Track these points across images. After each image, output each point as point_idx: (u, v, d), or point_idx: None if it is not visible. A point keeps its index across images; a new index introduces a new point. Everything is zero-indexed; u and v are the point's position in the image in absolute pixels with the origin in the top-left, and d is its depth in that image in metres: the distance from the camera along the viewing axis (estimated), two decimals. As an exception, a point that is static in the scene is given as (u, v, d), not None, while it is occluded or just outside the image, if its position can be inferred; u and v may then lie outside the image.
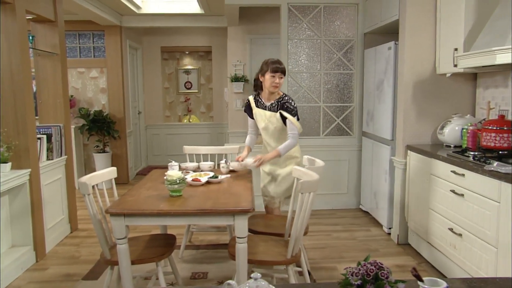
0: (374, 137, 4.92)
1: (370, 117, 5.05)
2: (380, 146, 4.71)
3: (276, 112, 3.43)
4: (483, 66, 3.27)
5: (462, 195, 3.14)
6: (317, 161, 3.31)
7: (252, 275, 1.18)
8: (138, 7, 6.63)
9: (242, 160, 3.56)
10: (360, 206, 5.48)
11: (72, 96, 6.98)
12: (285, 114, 3.39)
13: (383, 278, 1.06)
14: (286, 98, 3.45)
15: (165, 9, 6.78)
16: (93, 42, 7.09)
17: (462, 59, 3.41)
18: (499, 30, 3.00)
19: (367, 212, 5.28)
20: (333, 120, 5.45)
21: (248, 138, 3.82)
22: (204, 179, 3.24)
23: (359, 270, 1.09)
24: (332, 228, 4.83)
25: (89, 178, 2.79)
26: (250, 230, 3.26)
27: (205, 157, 4.75)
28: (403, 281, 1.12)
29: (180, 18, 7.02)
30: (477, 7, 3.47)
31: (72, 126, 5.96)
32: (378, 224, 4.87)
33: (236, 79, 6.81)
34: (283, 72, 3.37)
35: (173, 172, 2.87)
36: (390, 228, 4.53)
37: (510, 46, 2.79)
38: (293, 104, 3.43)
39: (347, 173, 5.50)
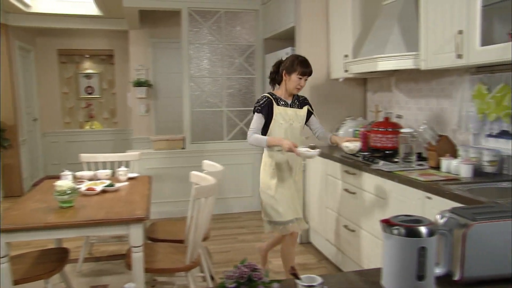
0: (276, 140, 5.05)
1: (271, 121, 5.18)
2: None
3: (301, 107, 3.17)
4: (369, 72, 3.51)
5: (354, 193, 3.34)
6: (216, 166, 3.31)
7: (125, 285, 1.14)
8: (26, 5, 6.17)
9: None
10: (265, 208, 5.58)
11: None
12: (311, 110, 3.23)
13: (256, 279, 1.08)
14: (303, 96, 3.26)
15: (58, 9, 6.40)
16: (-24, 42, 6.48)
17: (351, 65, 3.63)
18: (380, 40, 3.24)
19: (272, 214, 5.40)
20: (236, 124, 5.51)
21: (257, 136, 3.09)
22: (99, 188, 3.10)
23: (234, 273, 1.10)
24: (237, 231, 4.87)
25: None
26: (150, 238, 3.19)
27: (105, 165, 4.54)
28: (278, 281, 1.15)
29: (77, 19, 6.67)
30: (362, 18, 3.74)
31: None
32: (282, 225, 4.99)
33: (139, 83, 6.61)
34: (310, 75, 3.11)
35: (63, 182, 2.71)
36: (292, 228, 4.67)
37: (389, 55, 3.03)
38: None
39: (251, 176, 5.59)
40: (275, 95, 3.12)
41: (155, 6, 5.22)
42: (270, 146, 3.05)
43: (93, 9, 6.42)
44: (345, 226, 3.50)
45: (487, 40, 2.39)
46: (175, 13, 5.50)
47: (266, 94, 3.12)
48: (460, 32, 2.47)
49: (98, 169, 3.77)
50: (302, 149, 2.88)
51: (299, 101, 3.20)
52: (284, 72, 3.09)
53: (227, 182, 5.39)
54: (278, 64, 3.19)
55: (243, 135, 5.54)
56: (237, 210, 5.58)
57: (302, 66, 3.03)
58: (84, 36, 7.98)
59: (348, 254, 3.50)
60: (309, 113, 3.24)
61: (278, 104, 3.09)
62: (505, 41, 2.26)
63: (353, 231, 3.38)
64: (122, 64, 8.04)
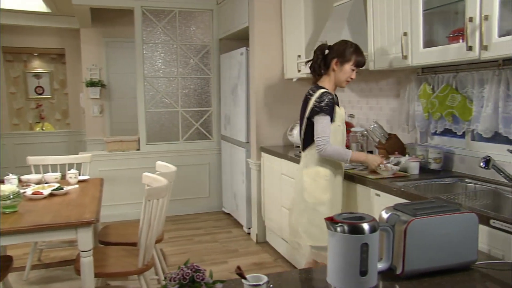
0: (232, 140, 5.05)
1: (227, 121, 5.18)
2: (237, 149, 4.85)
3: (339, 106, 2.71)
4: (321, 72, 3.57)
5: (308, 191, 3.38)
6: (169, 166, 3.27)
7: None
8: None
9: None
10: (223, 209, 5.58)
11: None
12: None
13: (199, 280, 1.07)
14: None
15: (2, 4, 6.10)
16: None
17: (304, 65, 3.68)
18: (331, 40, 3.28)
19: (229, 214, 5.40)
20: (192, 124, 5.47)
21: (338, 147, 2.61)
22: (47, 191, 2.99)
23: (177, 274, 1.08)
24: (194, 232, 4.84)
25: None
26: (102, 242, 3.11)
27: (55, 168, 4.38)
28: (221, 281, 1.15)
29: (23, 15, 6.39)
30: (314, 19, 3.80)
31: None
32: (239, 225, 5.00)
33: (92, 84, 6.44)
34: (363, 66, 2.68)
35: (6, 187, 2.60)
36: (249, 228, 4.69)
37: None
38: None
39: (208, 176, 5.56)
40: (330, 91, 2.60)
41: (106, 4, 5.09)
42: (351, 162, 2.61)
43: (40, 6, 6.18)
44: (300, 225, 3.54)
45: (429, 42, 2.49)
46: (128, 12, 5.38)
47: (326, 90, 2.55)
48: (405, 34, 2.55)
49: (48, 172, 3.63)
50: (393, 167, 2.51)
51: (337, 97, 2.72)
52: (336, 61, 2.58)
53: (183, 183, 5.34)
54: (323, 50, 2.65)
55: (199, 135, 5.52)
56: (193, 211, 5.53)
57: (358, 54, 2.58)
58: (32, 33, 7.65)
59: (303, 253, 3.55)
60: None
61: (337, 103, 2.65)
62: (445, 44, 2.36)
63: (307, 229, 3.42)
64: (74, 64, 7.77)
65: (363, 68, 3.03)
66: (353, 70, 2.59)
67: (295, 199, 2.73)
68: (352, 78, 2.61)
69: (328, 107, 2.50)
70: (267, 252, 4.20)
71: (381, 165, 2.59)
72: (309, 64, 2.71)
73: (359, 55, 2.58)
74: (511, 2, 1.98)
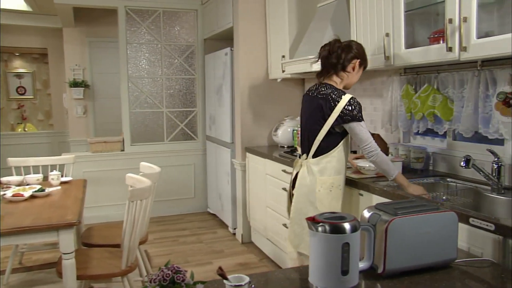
0: (217, 140, 5.04)
1: (212, 121, 5.17)
2: (222, 149, 4.85)
3: None
4: (306, 72, 3.58)
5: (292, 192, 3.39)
6: (153, 167, 3.25)
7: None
8: None
9: None
10: (208, 209, 5.57)
11: None
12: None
13: (179, 281, 1.07)
14: None
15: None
16: None
17: (288, 66, 3.69)
18: (315, 41, 3.32)
19: (214, 215, 5.39)
20: (177, 125, 5.45)
21: (388, 158, 2.49)
22: (27, 193, 2.95)
23: (157, 276, 1.08)
24: (179, 233, 4.81)
25: None
26: (85, 244, 3.08)
27: (37, 170, 4.32)
28: (202, 282, 1.14)
29: (3, 14, 6.25)
30: (298, 19, 3.82)
31: None
32: (224, 226, 4.99)
33: (75, 84, 6.35)
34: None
35: (-14, 188, 2.55)
36: (235, 229, 4.69)
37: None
38: None
39: (193, 177, 5.54)
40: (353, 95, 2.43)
41: (89, 3, 5.04)
42: (394, 181, 2.41)
43: (21, 4, 6.07)
44: (285, 225, 3.54)
45: (410, 43, 2.51)
46: (112, 12, 5.34)
47: (351, 95, 2.39)
48: (387, 35, 2.58)
49: (30, 174, 3.58)
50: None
51: None
52: (358, 61, 2.45)
53: (168, 183, 5.32)
54: (336, 48, 2.44)
55: (184, 135, 5.49)
56: (178, 212, 5.51)
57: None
58: (13, 32, 7.50)
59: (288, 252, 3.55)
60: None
61: None
62: (426, 45, 2.39)
63: (292, 229, 3.43)
64: (57, 64, 7.67)
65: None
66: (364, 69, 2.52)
67: (302, 209, 2.51)
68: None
69: (361, 113, 2.36)
70: (252, 253, 4.20)
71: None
72: (322, 57, 2.49)
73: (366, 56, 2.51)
74: (488, 5, 2.01)
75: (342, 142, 2.45)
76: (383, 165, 2.38)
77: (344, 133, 2.44)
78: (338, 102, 2.35)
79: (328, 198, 2.47)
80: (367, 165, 2.67)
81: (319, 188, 2.46)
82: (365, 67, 2.50)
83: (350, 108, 2.33)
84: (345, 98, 2.35)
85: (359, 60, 2.44)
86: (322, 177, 2.47)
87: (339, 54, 2.41)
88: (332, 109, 2.37)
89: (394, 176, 2.36)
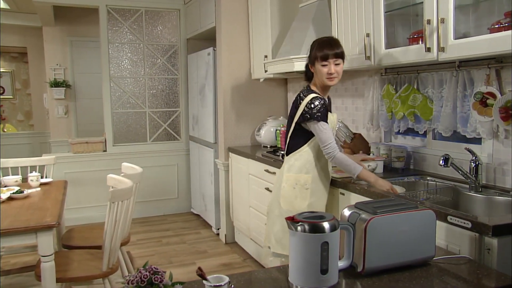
0: (200, 140, 5.03)
1: (195, 121, 5.15)
2: (205, 149, 4.83)
3: (332, 112, 2.55)
4: (288, 72, 3.59)
5: (275, 191, 3.39)
6: (135, 168, 3.22)
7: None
8: None
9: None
10: (191, 210, 5.54)
11: None
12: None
13: (157, 282, 1.06)
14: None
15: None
16: None
17: (270, 65, 3.69)
18: (296, 41, 3.33)
19: (198, 215, 5.37)
20: (160, 125, 5.41)
21: (347, 157, 2.47)
22: (5, 195, 2.89)
23: (135, 277, 1.07)
24: (162, 234, 4.78)
25: None
26: (66, 246, 3.04)
27: (16, 171, 4.26)
28: (181, 283, 1.14)
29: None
30: (280, 19, 3.83)
31: None
32: (208, 226, 4.98)
33: (56, 84, 6.26)
34: (339, 55, 2.36)
35: (-38, 190, 2.50)
36: (218, 229, 4.67)
37: (304, 55, 3.11)
38: None
39: (176, 177, 5.52)
40: (319, 93, 2.44)
41: (69, 2, 4.97)
42: (359, 178, 2.41)
43: (-1, 2, 5.97)
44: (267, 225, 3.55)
45: (390, 43, 2.54)
46: (93, 11, 5.28)
47: (316, 95, 2.39)
48: (368, 35, 2.60)
49: (8, 175, 3.51)
50: (401, 190, 2.37)
51: (330, 102, 2.60)
52: (310, 65, 2.45)
53: (151, 184, 5.28)
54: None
55: (167, 136, 5.46)
56: (162, 212, 5.48)
57: (319, 49, 2.36)
58: (-9, 31, 7.40)
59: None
60: None
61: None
62: (406, 45, 2.42)
63: (275, 228, 3.44)
64: (37, 63, 7.55)
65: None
66: (324, 65, 2.35)
67: (272, 204, 2.59)
68: (330, 74, 2.35)
69: (320, 113, 2.35)
70: (236, 253, 4.20)
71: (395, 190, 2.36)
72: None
73: (320, 49, 2.36)
74: (465, 7, 2.05)
75: (311, 141, 2.45)
76: (343, 166, 2.39)
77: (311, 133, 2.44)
78: (303, 100, 2.40)
79: (291, 195, 2.48)
80: (375, 166, 2.69)
81: (283, 184, 2.51)
82: (323, 58, 2.35)
83: (310, 107, 2.36)
84: (309, 97, 2.38)
85: (310, 64, 2.44)
86: (288, 174, 2.50)
87: (306, 64, 2.50)
88: (297, 107, 2.43)
89: (357, 174, 2.37)
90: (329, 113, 2.44)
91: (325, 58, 2.33)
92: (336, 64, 2.35)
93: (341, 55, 2.36)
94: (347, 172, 2.44)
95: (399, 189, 2.41)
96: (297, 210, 2.32)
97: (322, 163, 2.50)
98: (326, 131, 2.36)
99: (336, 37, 2.57)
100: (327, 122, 2.38)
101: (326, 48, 2.34)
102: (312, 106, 2.35)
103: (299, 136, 2.47)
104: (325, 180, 2.56)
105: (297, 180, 2.48)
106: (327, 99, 2.51)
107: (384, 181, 2.34)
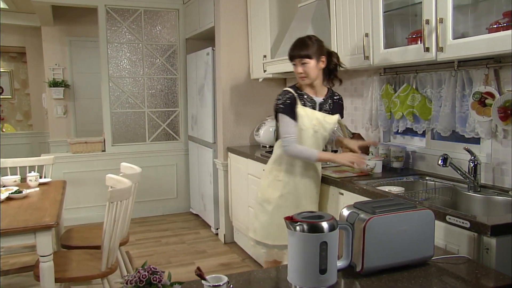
0: (199, 140, 5.02)
1: (194, 121, 5.15)
2: (204, 149, 4.83)
3: (333, 113, 2.57)
4: (287, 72, 3.59)
5: (274, 191, 3.39)
6: (134, 168, 3.22)
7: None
8: None
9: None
10: (190, 210, 5.54)
11: None
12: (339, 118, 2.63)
13: (155, 282, 1.06)
14: (336, 93, 2.66)
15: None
16: None
17: (269, 65, 3.70)
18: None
19: (197, 215, 5.37)
20: (159, 125, 5.41)
21: (302, 147, 2.51)
22: (4, 195, 2.89)
23: (134, 277, 1.07)
24: (161, 234, 4.78)
25: None
26: (65, 246, 3.03)
27: (14, 171, 4.25)
28: (180, 283, 1.14)
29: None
30: (279, 19, 3.83)
31: None
32: (207, 226, 4.98)
33: (55, 84, 6.26)
34: (303, 56, 2.42)
35: (-39, 191, 2.49)
36: (217, 229, 4.67)
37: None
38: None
39: (175, 177, 5.51)
40: (300, 90, 2.52)
41: (68, 2, 4.96)
42: (321, 161, 2.59)
43: (-3, 2, 5.96)
44: (267, 224, 3.55)
45: (389, 43, 2.54)
46: (92, 10, 5.28)
47: (287, 89, 2.53)
48: (367, 35, 2.60)
49: (6, 175, 3.51)
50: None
51: (334, 102, 2.60)
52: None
53: (150, 184, 5.28)
54: None
55: (166, 136, 5.46)
56: (161, 212, 5.47)
57: (290, 49, 2.50)
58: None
59: (270, 252, 3.56)
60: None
61: (303, 103, 2.49)
62: (404, 45, 2.42)
63: (274, 228, 3.44)
64: (36, 63, 7.54)
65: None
66: (294, 65, 2.49)
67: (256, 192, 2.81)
68: (298, 72, 2.46)
69: (283, 106, 2.45)
70: (235, 253, 4.20)
71: (355, 164, 2.44)
72: None
73: (290, 50, 2.50)
74: (463, 6, 2.05)
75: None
76: (300, 156, 2.50)
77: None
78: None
79: (265, 184, 2.65)
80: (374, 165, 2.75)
81: (263, 174, 2.72)
82: (291, 58, 2.50)
83: (277, 100, 2.52)
84: (282, 90, 2.57)
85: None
86: (266, 165, 2.72)
87: None
88: None
89: (316, 158, 2.48)
90: (302, 107, 2.47)
91: (291, 59, 2.49)
92: (303, 64, 2.43)
93: (306, 56, 2.42)
94: (308, 160, 2.53)
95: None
96: (267, 199, 2.61)
97: (292, 159, 2.56)
98: (284, 124, 2.46)
99: (311, 37, 2.51)
100: (290, 116, 2.45)
101: (293, 49, 2.48)
102: (278, 98, 2.51)
103: (278, 128, 2.59)
104: (306, 176, 2.59)
105: (270, 171, 2.64)
106: (303, 95, 2.52)
107: (344, 154, 2.51)
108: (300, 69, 2.45)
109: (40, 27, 6.23)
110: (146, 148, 5.32)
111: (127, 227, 3.09)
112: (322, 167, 2.91)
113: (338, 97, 2.64)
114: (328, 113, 2.55)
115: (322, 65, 2.49)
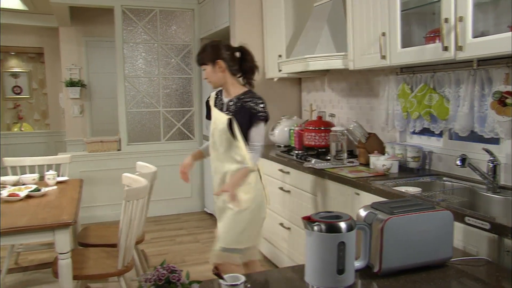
0: (214, 140, 5.03)
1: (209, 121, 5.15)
2: (219, 149, 4.83)
3: (235, 115, 2.47)
4: (303, 72, 3.58)
5: (289, 191, 3.39)
6: (150, 167, 3.24)
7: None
8: None
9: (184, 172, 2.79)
10: (205, 209, 5.56)
11: None
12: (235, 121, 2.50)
13: (174, 281, 1.06)
14: (249, 95, 2.51)
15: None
16: None
17: (284, 65, 3.69)
18: (311, 40, 3.32)
19: (211, 214, 5.38)
20: (174, 124, 5.44)
21: (204, 145, 2.85)
22: (23, 193, 2.94)
23: (152, 275, 1.08)
24: (176, 233, 4.81)
25: None
26: (81, 244, 3.07)
27: (33, 169, 4.31)
28: (198, 282, 1.14)
29: (-2, 13, 6.26)
30: (294, 19, 3.82)
31: None
32: (221, 225, 4.98)
33: (72, 84, 6.34)
34: (198, 63, 2.56)
35: (-18, 188, 2.54)
36: (231, 228, 4.67)
37: (319, 55, 3.11)
38: (260, 106, 2.49)
39: (190, 177, 5.52)
40: (219, 93, 2.66)
41: (85, 2, 5.03)
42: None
43: (16, 3, 6.05)
44: (281, 224, 3.55)
45: (406, 42, 2.51)
46: (109, 11, 5.33)
47: (212, 92, 2.72)
48: (383, 34, 2.58)
49: (26, 174, 3.56)
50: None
51: (242, 104, 2.49)
52: None
53: (165, 183, 5.30)
54: None
55: (181, 135, 5.49)
56: (175, 211, 5.50)
57: None
58: (8, 31, 7.47)
59: (285, 252, 3.56)
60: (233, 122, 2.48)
61: (215, 104, 2.60)
62: (422, 44, 2.39)
63: (288, 228, 3.44)
64: (53, 63, 7.64)
65: (342, 67, 3.06)
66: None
67: None
68: (204, 78, 2.63)
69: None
70: (249, 252, 4.19)
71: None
72: None
73: None
74: (484, 4, 2.01)
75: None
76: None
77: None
78: None
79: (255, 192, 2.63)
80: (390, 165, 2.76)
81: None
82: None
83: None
84: None
85: None
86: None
87: None
88: None
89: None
90: (214, 108, 2.61)
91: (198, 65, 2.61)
92: (203, 70, 2.57)
93: (201, 63, 2.54)
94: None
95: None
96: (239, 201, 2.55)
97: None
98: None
99: (207, 44, 2.58)
100: (207, 117, 2.73)
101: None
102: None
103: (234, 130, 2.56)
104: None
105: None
106: (224, 96, 2.60)
107: (187, 158, 2.87)
108: (204, 75, 2.59)
109: (58, 27, 6.31)
110: (161, 148, 5.35)
111: (143, 225, 3.11)
112: (337, 167, 2.91)
113: (249, 100, 2.48)
114: (229, 114, 2.49)
115: (220, 69, 2.50)
